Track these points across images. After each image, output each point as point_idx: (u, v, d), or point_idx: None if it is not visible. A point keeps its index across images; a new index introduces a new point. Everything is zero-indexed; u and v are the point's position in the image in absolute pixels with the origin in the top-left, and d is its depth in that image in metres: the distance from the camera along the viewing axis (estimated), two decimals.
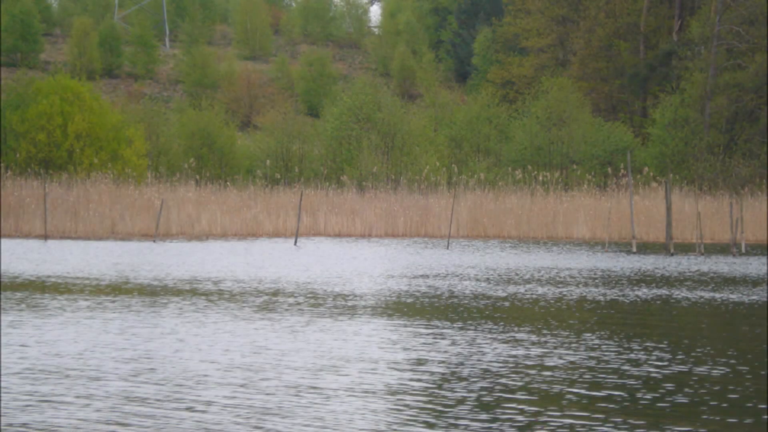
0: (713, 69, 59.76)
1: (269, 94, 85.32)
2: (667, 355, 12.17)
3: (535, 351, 12.40)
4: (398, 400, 9.56)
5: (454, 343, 12.98)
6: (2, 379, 10.46)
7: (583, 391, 9.96)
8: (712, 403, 9.52)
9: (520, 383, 10.37)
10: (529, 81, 72.78)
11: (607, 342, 13.21)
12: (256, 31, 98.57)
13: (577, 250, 35.29)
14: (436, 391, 10.00)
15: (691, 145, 58.09)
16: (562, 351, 12.42)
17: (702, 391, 10.06)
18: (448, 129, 65.34)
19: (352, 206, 45.95)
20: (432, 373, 10.89)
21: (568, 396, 9.76)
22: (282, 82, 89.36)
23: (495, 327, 14.59)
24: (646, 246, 39.41)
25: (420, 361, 11.64)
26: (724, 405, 9.43)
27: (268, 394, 9.77)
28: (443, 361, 11.63)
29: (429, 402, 9.49)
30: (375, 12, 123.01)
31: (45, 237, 40.59)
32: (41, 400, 9.52)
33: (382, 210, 45.45)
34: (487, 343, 12.99)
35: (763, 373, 11.11)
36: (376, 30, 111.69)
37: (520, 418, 8.85)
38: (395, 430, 8.44)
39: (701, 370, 11.21)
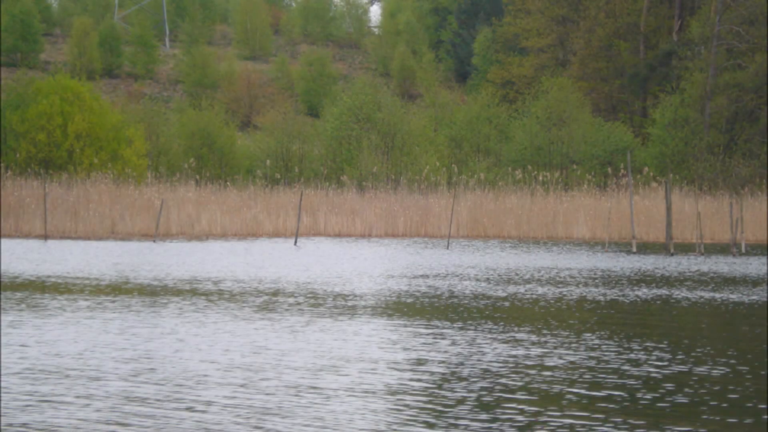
0: (713, 69, 59.75)
1: (269, 94, 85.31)
2: (667, 355, 12.17)
3: (535, 351, 12.40)
4: (398, 400, 9.56)
5: (454, 343, 12.98)
6: (2, 379, 10.46)
7: (583, 391, 9.96)
8: (712, 403, 9.52)
9: (520, 383, 10.37)
10: (529, 81, 72.77)
11: (607, 342, 13.21)
12: (256, 31, 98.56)
13: (577, 250, 35.28)
14: (436, 391, 10.00)
15: (691, 145, 58.08)
16: (562, 351, 12.42)
17: (702, 391, 10.06)
18: (448, 129, 65.33)
19: (352, 206, 45.93)
20: (432, 373, 10.89)
21: (568, 396, 9.75)
22: (282, 82, 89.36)
23: (495, 327, 14.59)
24: (646, 246, 39.40)
25: (420, 361, 11.63)
26: (724, 405, 9.43)
27: (268, 394, 9.77)
28: (443, 361, 11.63)
29: (429, 402, 9.49)
30: (375, 12, 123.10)
31: (45, 237, 40.58)
32: (41, 400, 9.51)
33: (382, 210, 45.44)
34: (487, 343, 12.99)
35: (763, 373, 11.11)
36: (376, 30, 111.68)
37: (520, 418, 8.85)
38: (395, 430, 8.44)
39: (701, 370, 11.21)
